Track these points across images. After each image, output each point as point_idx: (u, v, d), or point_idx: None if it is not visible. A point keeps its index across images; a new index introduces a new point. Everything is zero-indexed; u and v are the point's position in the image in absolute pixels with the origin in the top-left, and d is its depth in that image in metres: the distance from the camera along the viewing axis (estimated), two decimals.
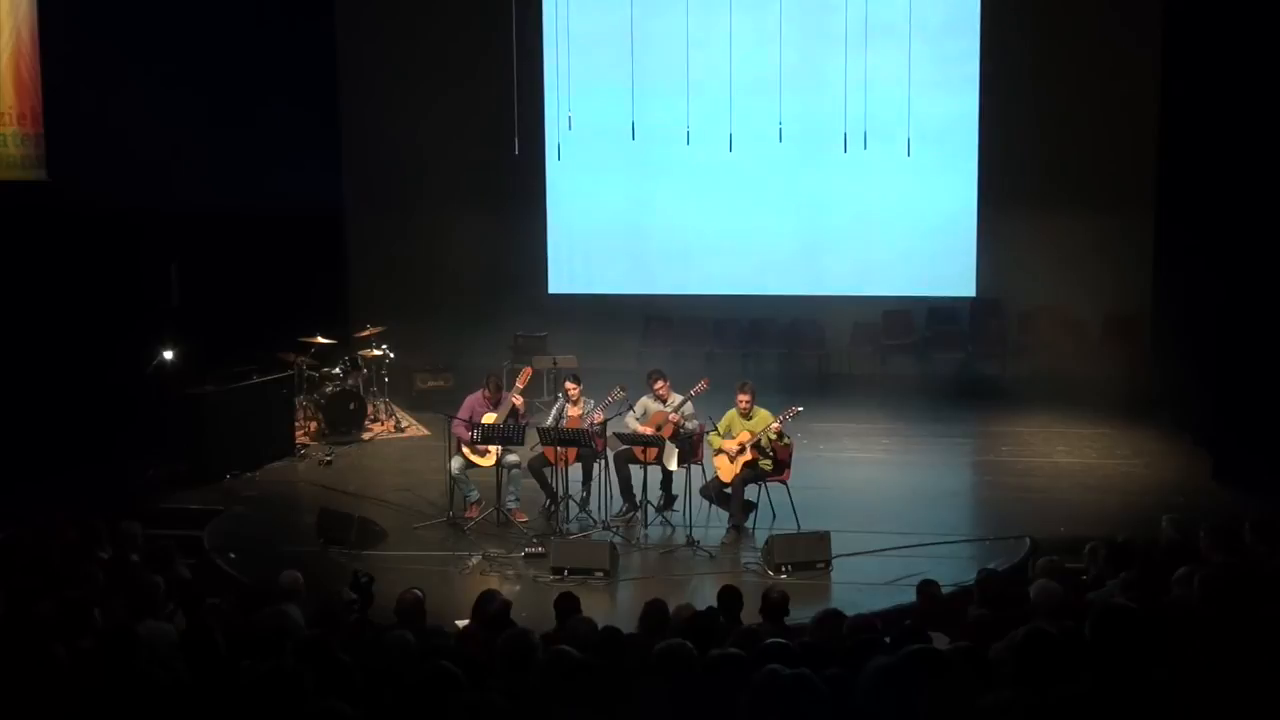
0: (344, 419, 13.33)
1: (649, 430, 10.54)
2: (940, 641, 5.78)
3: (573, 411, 10.74)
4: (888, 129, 13.79)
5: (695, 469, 10.71)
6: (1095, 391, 13.99)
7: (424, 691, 4.67)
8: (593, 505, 10.66)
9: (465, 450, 10.72)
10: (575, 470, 10.77)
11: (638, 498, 10.55)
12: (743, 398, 10.39)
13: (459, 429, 10.72)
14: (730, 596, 7.28)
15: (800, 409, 10.53)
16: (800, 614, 7.25)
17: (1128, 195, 14.80)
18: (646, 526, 10.44)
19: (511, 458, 10.70)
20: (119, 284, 12.54)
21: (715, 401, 10.74)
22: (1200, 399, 12.36)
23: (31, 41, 11.80)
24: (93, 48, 12.08)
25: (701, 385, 10.68)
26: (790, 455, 10.60)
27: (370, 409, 13.73)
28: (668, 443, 10.54)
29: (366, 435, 13.46)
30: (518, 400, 10.74)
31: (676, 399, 10.63)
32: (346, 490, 11.57)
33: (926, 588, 7.72)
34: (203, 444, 11.95)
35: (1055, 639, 5.01)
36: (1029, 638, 4.97)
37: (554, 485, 10.69)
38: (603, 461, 10.59)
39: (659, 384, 10.69)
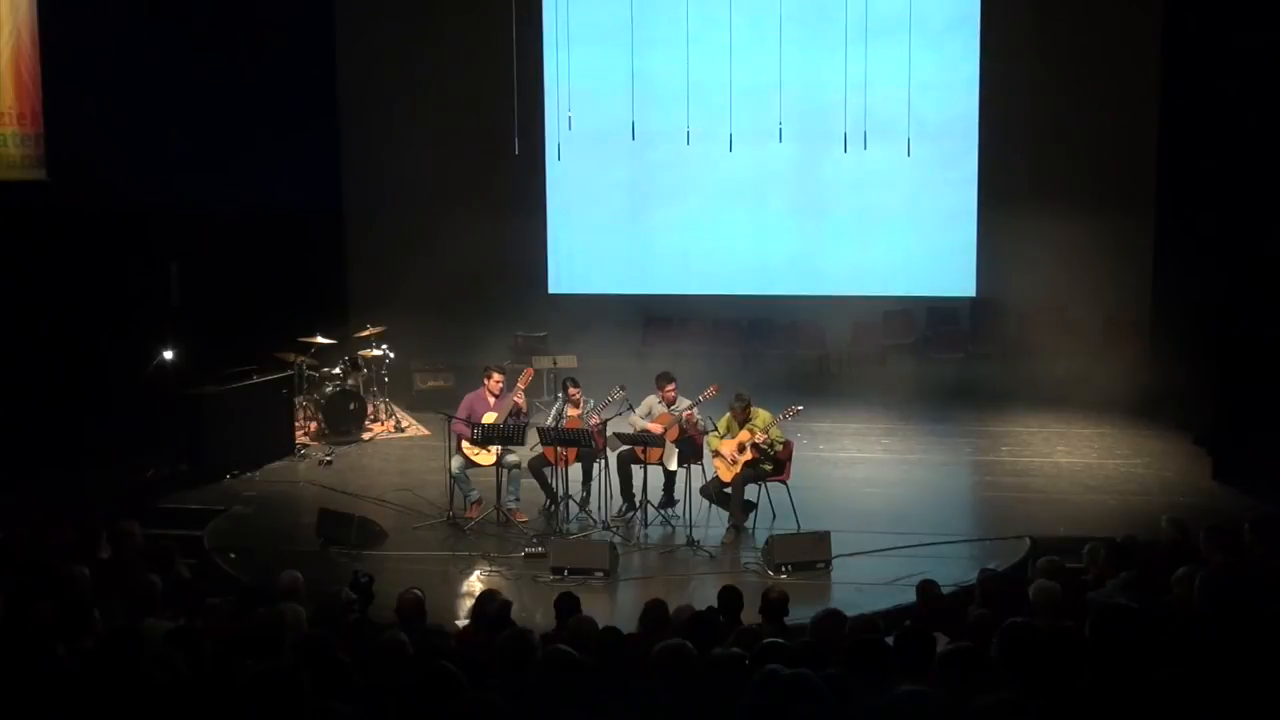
0: (344, 419, 13.33)
1: (655, 429, 10.54)
2: (940, 642, 5.77)
3: (572, 412, 10.74)
4: (888, 129, 13.79)
5: (695, 469, 10.70)
6: (1095, 391, 13.98)
7: (424, 691, 4.67)
8: (593, 505, 10.66)
9: (465, 450, 10.71)
10: (575, 470, 10.77)
11: (637, 498, 10.55)
12: (733, 410, 10.39)
13: (459, 427, 10.72)
14: (730, 596, 7.28)
15: (800, 408, 10.55)
16: (800, 614, 7.25)
17: (1128, 195, 14.79)
18: (646, 526, 10.44)
19: (511, 458, 10.70)
20: (119, 284, 12.54)
21: (715, 402, 10.73)
22: (1200, 399, 12.36)
23: (31, 41, 11.79)
24: (93, 48, 12.08)
25: (711, 391, 10.64)
26: (790, 455, 10.60)
27: (370, 409, 13.73)
28: (668, 443, 10.54)
29: (366, 435, 13.47)
30: (520, 400, 10.73)
31: (685, 403, 10.62)
32: (346, 490, 11.57)
33: (926, 588, 7.71)
34: (203, 444, 11.97)
35: (1039, 633, 5.02)
36: (1008, 633, 4.98)
37: (554, 485, 10.69)
38: (603, 461, 10.59)
39: (670, 388, 10.65)
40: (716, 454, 10.38)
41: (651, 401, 10.75)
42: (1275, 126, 11.28)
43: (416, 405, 14.29)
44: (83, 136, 12.11)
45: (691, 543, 10.00)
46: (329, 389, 13.40)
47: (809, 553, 9.49)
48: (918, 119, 13.60)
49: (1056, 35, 15.03)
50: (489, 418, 10.66)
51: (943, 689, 4.73)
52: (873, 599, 8.80)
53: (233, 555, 9.95)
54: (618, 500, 10.74)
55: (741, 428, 10.33)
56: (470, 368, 13.11)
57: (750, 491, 10.40)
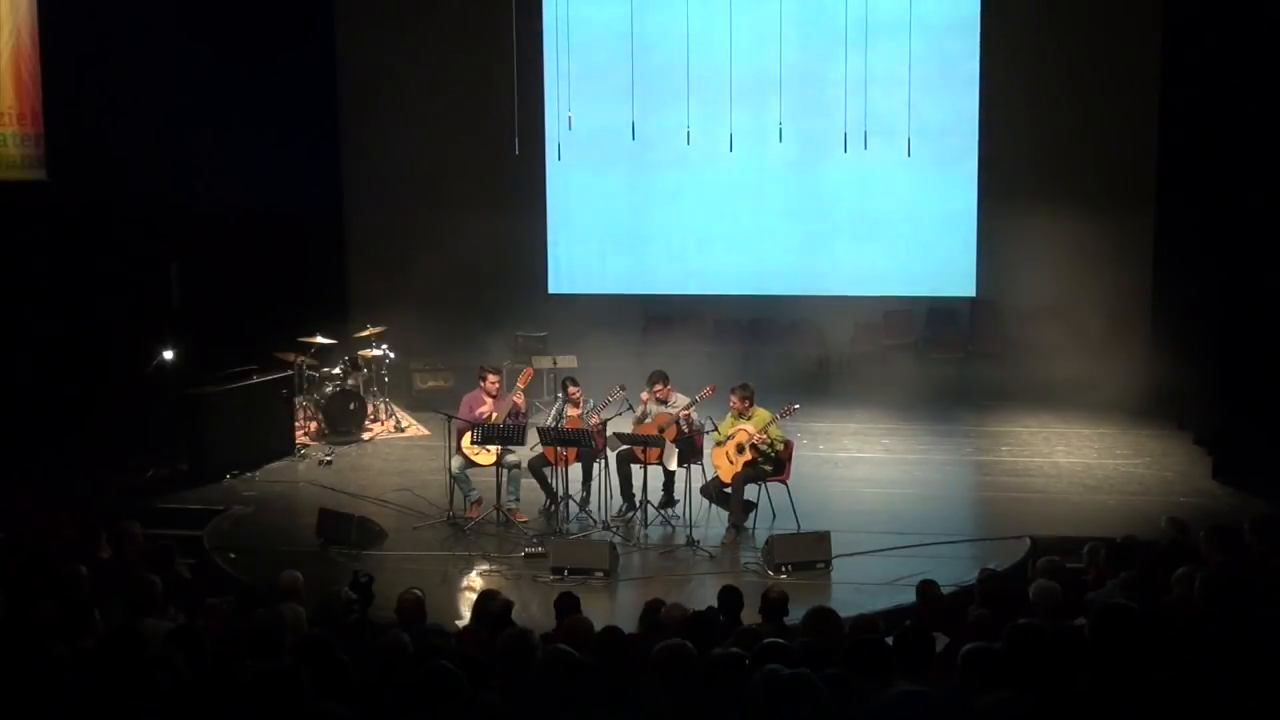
0: (344, 419, 13.33)
1: (653, 430, 10.53)
2: (940, 642, 5.78)
3: (572, 412, 10.74)
4: (888, 129, 13.78)
5: (695, 469, 10.70)
6: (1095, 391, 13.99)
7: (423, 691, 4.67)
8: (593, 505, 10.66)
9: (465, 449, 10.70)
10: (575, 470, 10.77)
11: (638, 498, 10.55)
12: (733, 400, 10.40)
13: (463, 424, 10.71)
14: (730, 596, 7.28)
15: (797, 406, 10.55)
16: (800, 614, 7.24)
17: (1128, 195, 14.78)
18: (646, 526, 10.44)
19: (511, 458, 10.69)
20: (119, 284, 12.54)
21: (714, 403, 10.73)
22: (1200, 399, 12.37)
23: (31, 41, 11.80)
24: (93, 48, 12.09)
25: (707, 391, 10.65)
26: (790, 455, 10.60)
27: (370, 409, 13.73)
28: (668, 443, 10.53)
29: (366, 435, 13.46)
30: (519, 400, 10.73)
31: (682, 400, 10.62)
32: (346, 490, 11.57)
33: (926, 588, 7.72)
34: (203, 444, 11.96)
35: (1040, 633, 5.03)
36: (1009, 633, 4.99)
37: (554, 485, 10.69)
38: (603, 461, 10.59)
39: (659, 387, 10.65)
40: (720, 444, 10.31)
41: (643, 411, 10.69)
42: (1275, 126, 11.27)
43: (416, 405, 14.29)
44: (83, 136, 12.11)
45: (691, 543, 10.00)
46: (329, 389, 13.41)
47: (809, 553, 9.49)
48: (918, 119, 13.60)
49: (1056, 35, 15.02)
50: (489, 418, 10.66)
51: (952, 688, 4.74)
52: (873, 599, 8.80)
53: (233, 555, 9.95)
54: (618, 500, 10.74)
55: (740, 418, 10.32)
56: (470, 368, 13.09)
57: (750, 491, 10.39)
